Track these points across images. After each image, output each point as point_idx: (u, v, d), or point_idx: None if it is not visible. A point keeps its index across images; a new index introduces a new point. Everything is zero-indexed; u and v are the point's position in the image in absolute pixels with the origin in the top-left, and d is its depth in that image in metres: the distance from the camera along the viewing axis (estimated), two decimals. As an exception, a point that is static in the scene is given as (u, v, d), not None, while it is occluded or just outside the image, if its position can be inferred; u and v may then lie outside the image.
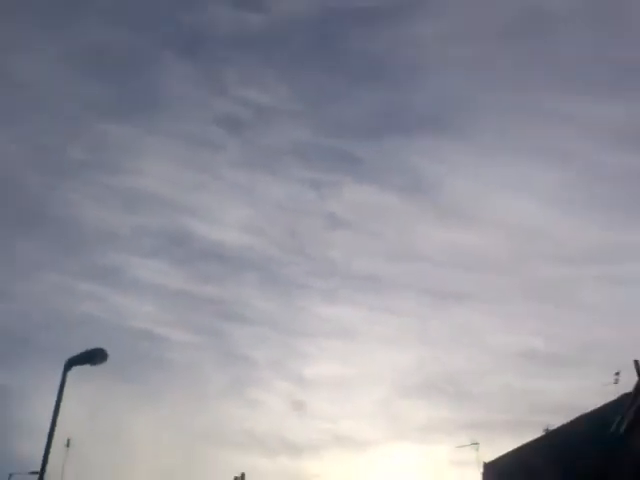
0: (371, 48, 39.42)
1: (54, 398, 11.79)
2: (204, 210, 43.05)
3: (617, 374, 18.41)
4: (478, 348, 40.18)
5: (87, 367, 12.01)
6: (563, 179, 39.10)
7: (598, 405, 19.19)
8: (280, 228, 43.50)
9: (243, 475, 28.57)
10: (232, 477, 27.91)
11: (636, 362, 15.92)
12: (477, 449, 22.57)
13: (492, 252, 43.03)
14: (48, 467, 11.94)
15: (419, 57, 38.88)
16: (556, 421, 20.70)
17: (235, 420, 37.89)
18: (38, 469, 11.87)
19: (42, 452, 11.80)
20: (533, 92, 38.90)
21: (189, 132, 39.89)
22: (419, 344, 43.52)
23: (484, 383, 39.76)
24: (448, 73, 39.50)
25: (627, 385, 16.85)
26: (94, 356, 11.86)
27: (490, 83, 40.26)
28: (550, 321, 39.48)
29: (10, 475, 22.86)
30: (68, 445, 20.26)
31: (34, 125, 38.89)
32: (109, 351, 12.00)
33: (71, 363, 11.79)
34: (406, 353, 41.28)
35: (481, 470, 22.10)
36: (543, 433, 20.84)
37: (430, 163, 39.44)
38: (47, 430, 11.81)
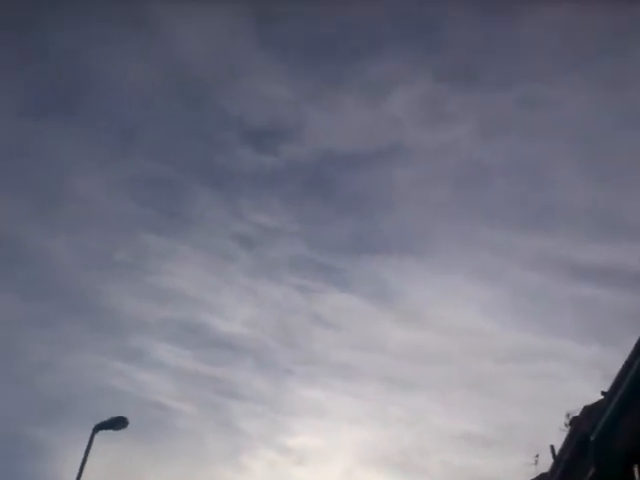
0: (354, 186, 49.57)
1: (81, 456, 14.23)
2: (217, 307, 52.82)
3: (537, 456, 21.09)
4: (425, 429, 46.46)
5: (111, 432, 14.57)
6: (496, 293, 47.70)
7: (521, 482, 22.19)
8: (274, 324, 52.54)
9: None
10: None
11: (552, 447, 18.56)
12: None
13: (439, 349, 50.93)
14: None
15: (391, 195, 48.71)
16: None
17: None
18: None
19: None
20: (474, 226, 48.25)
21: (211, 245, 49.68)
22: (377, 423, 50.81)
23: (429, 459, 44.86)
24: (412, 208, 48.52)
25: (545, 465, 19.81)
26: (117, 422, 14.37)
27: (443, 218, 49.52)
28: (483, 408, 46.39)
29: None
30: None
31: (90, 234, 48.58)
32: (130, 419, 14.64)
33: (98, 427, 14.19)
34: (367, 430, 47.90)
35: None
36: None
37: (394, 276, 48.09)
38: (74, 484, 14.15)
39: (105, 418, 14.42)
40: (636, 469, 11.21)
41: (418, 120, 47.62)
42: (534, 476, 20.87)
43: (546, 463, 19.13)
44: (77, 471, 14.00)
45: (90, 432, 14.18)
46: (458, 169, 46.48)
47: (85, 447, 14.14)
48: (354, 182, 50.17)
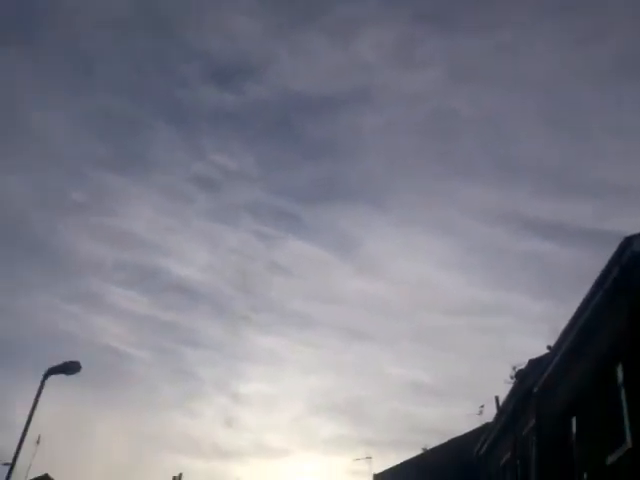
0: (319, 131, 47.99)
1: (32, 400, 13.96)
2: (174, 251, 51.55)
3: (482, 407, 22.02)
4: (376, 378, 47.37)
5: (62, 376, 14.30)
6: (450, 247, 47.75)
7: (465, 431, 23.18)
8: (232, 270, 51.53)
9: (180, 475, 31.19)
10: (171, 477, 30.68)
11: (496, 398, 19.30)
12: (370, 462, 25.86)
13: (393, 301, 51.20)
14: (18, 459, 13.93)
15: (357, 142, 47.26)
16: (432, 442, 24.87)
17: (178, 427, 44.05)
18: (10, 461, 13.81)
19: (15, 446, 13.83)
20: (437, 178, 47.63)
21: (169, 186, 47.67)
22: (331, 372, 51.43)
23: (379, 407, 46.01)
24: (377, 157, 47.31)
25: (489, 416, 20.66)
26: (69, 367, 14.03)
27: (405, 169, 48.64)
28: (433, 360, 47.34)
29: None
30: (38, 442, 21.92)
31: (46, 172, 45.70)
32: (82, 364, 14.36)
33: (50, 372, 13.86)
34: (320, 379, 48.52)
35: (371, 480, 25.48)
36: (422, 451, 24.58)
37: (353, 226, 47.58)
38: (22, 428, 13.90)
39: (57, 362, 14.12)
40: (574, 421, 11.71)
41: (389, 64, 46.49)
42: (478, 425, 21.84)
43: (490, 413, 20.06)
44: (25, 417, 13.66)
45: (40, 377, 13.84)
46: (426, 117, 45.80)
47: (34, 392, 13.75)
48: (320, 127, 48.91)
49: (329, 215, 49.51)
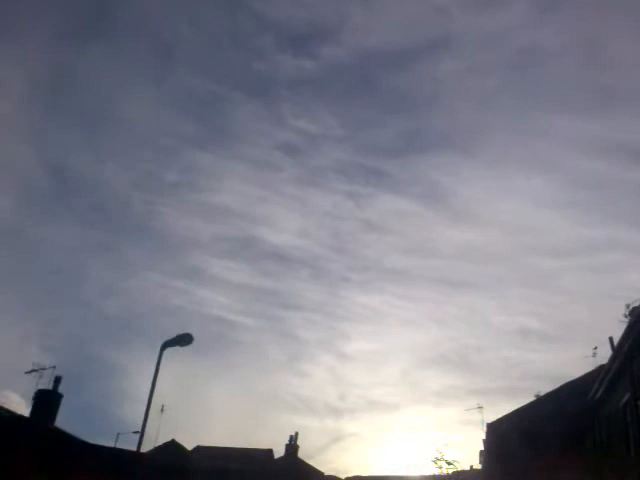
0: (398, 84, 46.87)
1: (152, 372, 14.92)
2: (267, 219, 52.90)
3: (595, 349, 21.28)
4: (481, 327, 46.37)
5: (177, 348, 15.14)
6: (551, 185, 44.83)
7: (579, 375, 22.44)
8: (326, 232, 52.35)
9: (297, 433, 32.86)
10: (288, 435, 32.50)
11: (610, 339, 18.59)
12: (481, 412, 25.78)
13: (493, 247, 49.29)
14: (147, 428, 14.96)
15: (437, 90, 45.64)
16: (545, 388, 24.31)
17: (290, 388, 45.77)
18: (139, 429, 14.81)
19: (142, 416, 14.75)
20: (526, 115, 44.79)
21: (256, 157, 48.62)
22: (433, 325, 51.06)
23: (487, 356, 45.20)
24: (460, 102, 45.49)
25: (603, 358, 19.88)
26: (183, 339, 14.89)
27: (492, 110, 46.13)
28: (540, 304, 45.41)
29: (118, 434, 26.75)
30: (162, 410, 23.63)
31: (139, 156, 48.30)
32: (193, 335, 15.13)
33: (165, 345, 14.81)
34: (423, 332, 48.34)
35: (484, 429, 25.39)
36: (534, 398, 24.10)
37: (443, 175, 46.12)
38: (146, 398, 14.88)
39: (170, 336, 14.91)
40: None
41: (466, 5, 44.40)
42: (592, 368, 21.08)
43: (605, 355, 19.26)
44: (149, 387, 14.55)
45: (157, 350, 14.70)
46: (508, 55, 43.52)
47: (154, 364, 14.62)
48: (398, 80, 47.75)
49: (417, 167, 48.63)
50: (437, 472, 24.10)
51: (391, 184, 53.17)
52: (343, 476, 31.80)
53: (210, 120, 50.28)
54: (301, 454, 33.70)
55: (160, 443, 30.27)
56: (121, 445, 25.54)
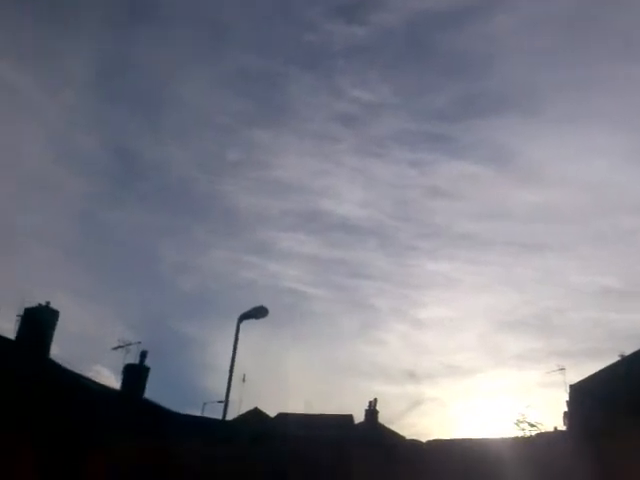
0: (453, 45, 45.30)
1: (231, 344, 15.51)
2: (330, 191, 53.69)
3: None
4: (560, 289, 45.21)
5: (252, 320, 15.66)
6: (623, 139, 42.52)
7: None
8: (390, 201, 52.25)
9: (375, 400, 33.51)
10: (367, 402, 33.23)
11: None
12: (563, 374, 25.18)
13: (566, 207, 47.64)
14: (230, 397, 15.68)
15: (493, 49, 43.88)
16: (630, 348, 23.45)
17: (365, 356, 46.41)
18: (223, 399, 15.71)
19: (225, 386, 15.50)
20: (591, 68, 42.21)
21: (315, 130, 48.97)
22: (509, 288, 50.36)
23: (567, 317, 44.09)
24: (518, 60, 43.61)
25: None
26: (258, 312, 15.43)
27: (555, 64, 43.92)
28: (620, 262, 43.65)
29: (204, 404, 28.24)
30: (244, 380, 24.59)
31: (200, 137, 49.79)
32: (267, 307, 15.60)
33: (242, 318, 15.39)
34: (499, 296, 47.77)
35: (568, 391, 24.83)
36: (619, 358, 23.30)
37: (508, 136, 44.58)
38: (227, 369, 15.51)
39: (245, 309, 15.41)
40: None
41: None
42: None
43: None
44: (229, 358, 15.20)
45: (234, 323, 15.26)
46: (566, 3, 41.40)
47: (232, 337, 15.22)
48: (453, 42, 46.42)
49: (480, 129, 47.43)
50: (520, 434, 23.87)
51: (454, 149, 52.16)
52: (424, 440, 32.07)
53: (266, 96, 50.71)
54: (381, 419, 34.12)
55: (244, 411, 31.37)
56: (207, 414, 26.65)
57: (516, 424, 23.89)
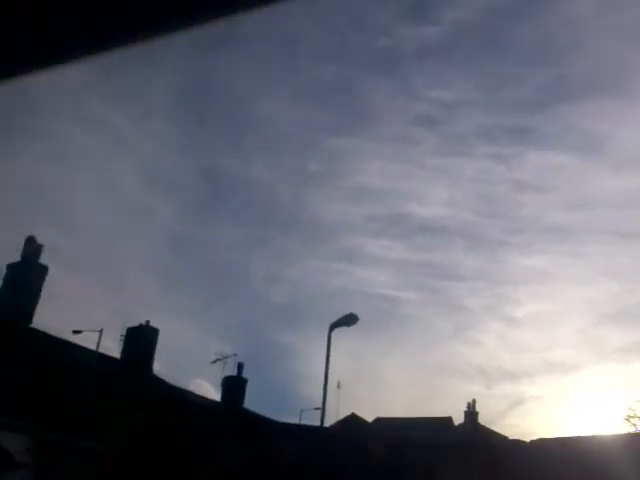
0: (528, 33, 43.75)
1: (324, 352, 15.65)
2: (413, 194, 53.05)
3: None
4: None
5: (344, 328, 15.74)
6: None
7: None
8: (475, 199, 51.14)
9: (474, 401, 33.03)
10: (465, 403, 32.83)
11: None
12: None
13: None
14: (326, 404, 15.79)
15: (572, 32, 41.79)
16: None
17: (461, 357, 45.65)
18: (320, 406, 15.88)
19: (321, 393, 15.63)
20: None
21: (394, 133, 48.77)
22: (608, 279, 47.98)
23: None
24: (601, 40, 41.37)
25: None
26: (349, 319, 15.48)
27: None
28: None
29: (301, 411, 28.87)
30: (339, 386, 24.94)
31: (281, 151, 51.13)
32: (357, 314, 15.64)
33: (333, 326, 15.47)
34: (598, 288, 45.39)
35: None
36: None
37: (596, 121, 42.28)
38: (322, 376, 15.65)
39: (336, 316, 15.51)
40: None
41: None
42: None
43: None
44: (323, 366, 15.32)
45: (326, 331, 15.38)
46: None
47: (324, 345, 15.34)
48: (529, 28, 45.10)
49: (565, 117, 45.51)
50: (632, 430, 22.69)
51: (539, 139, 50.06)
52: (528, 439, 31.13)
53: (342, 105, 50.98)
54: (481, 420, 33.39)
55: (341, 417, 31.56)
56: (305, 421, 27.01)
57: (626, 419, 22.76)
